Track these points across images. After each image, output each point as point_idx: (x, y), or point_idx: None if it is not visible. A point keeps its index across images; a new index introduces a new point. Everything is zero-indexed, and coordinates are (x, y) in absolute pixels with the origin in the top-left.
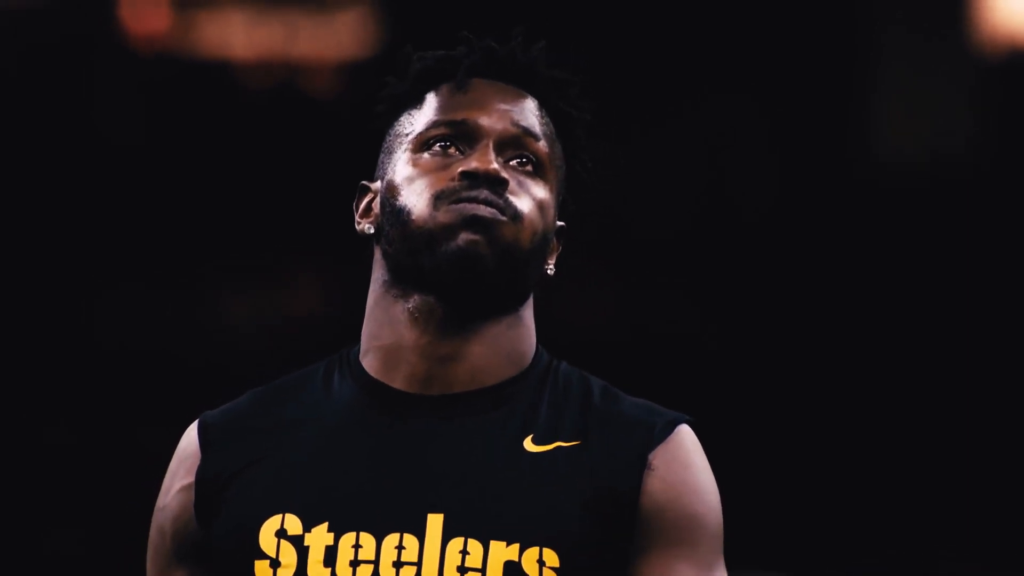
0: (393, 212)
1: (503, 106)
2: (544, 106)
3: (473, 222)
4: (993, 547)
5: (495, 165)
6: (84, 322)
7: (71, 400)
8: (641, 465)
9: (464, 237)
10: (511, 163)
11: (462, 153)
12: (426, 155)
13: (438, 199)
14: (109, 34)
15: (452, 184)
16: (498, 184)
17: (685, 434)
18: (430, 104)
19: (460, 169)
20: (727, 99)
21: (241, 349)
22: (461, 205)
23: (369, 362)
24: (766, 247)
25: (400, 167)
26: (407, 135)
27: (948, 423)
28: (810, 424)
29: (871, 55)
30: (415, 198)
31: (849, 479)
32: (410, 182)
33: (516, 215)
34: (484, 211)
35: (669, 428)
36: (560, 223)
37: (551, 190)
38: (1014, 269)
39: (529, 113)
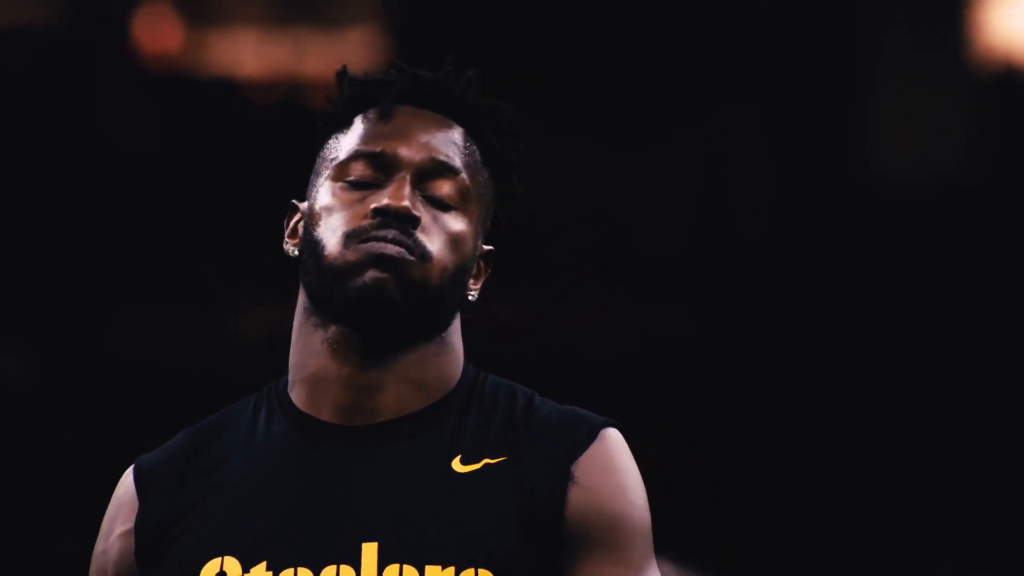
0: (310, 243)
1: (424, 137)
2: (472, 135)
3: (379, 260)
4: (993, 547)
5: (406, 202)
6: (99, 331)
7: (86, 407)
8: (564, 477)
9: (371, 275)
10: (429, 194)
11: (380, 185)
12: (345, 186)
13: (349, 237)
14: (122, 52)
15: (364, 223)
16: (408, 222)
17: (608, 438)
18: (355, 131)
19: (372, 205)
20: (727, 113)
21: (253, 360)
22: (369, 244)
23: (296, 394)
24: (765, 258)
25: (321, 195)
26: (332, 160)
27: (948, 428)
28: (810, 428)
29: (869, 69)
30: (329, 234)
31: (849, 481)
32: (328, 214)
33: (424, 255)
34: (391, 250)
35: (591, 436)
36: (488, 247)
37: (471, 221)
38: (1011, 279)
39: (451, 144)
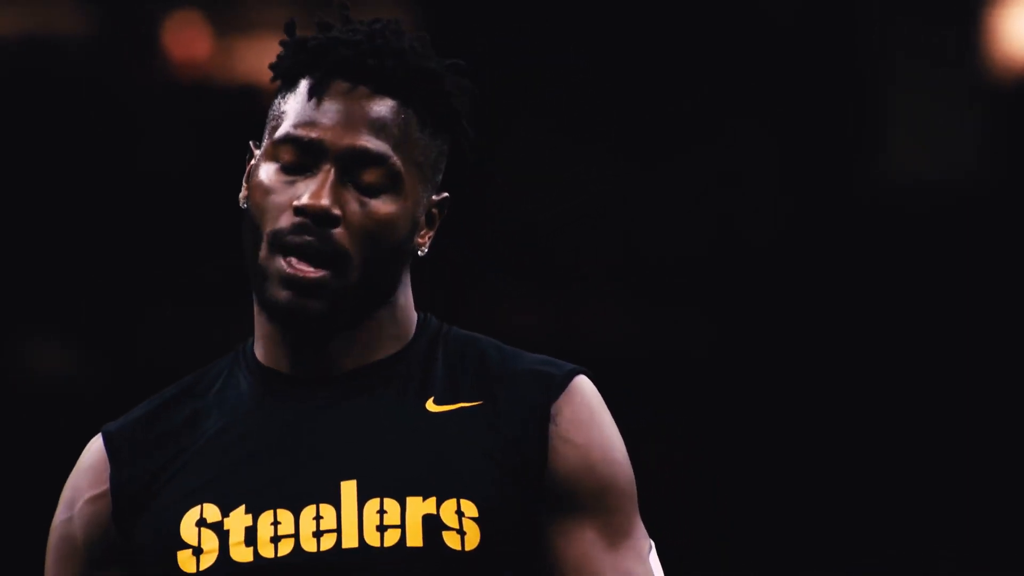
0: (246, 225)
1: (352, 119)
2: (408, 104)
3: (292, 283)
4: (993, 547)
5: (324, 201)
6: (134, 335)
7: (120, 406)
8: (544, 417)
9: (285, 295)
10: (357, 180)
11: (309, 170)
12: (277, 168)
13: (273, 238)
14: (152, 59)
15: (284, 223)
16: (327, 223)
17: (584, 384)
18: (293, 102)
19: (294, 203)
20: (739, 127)
21: None
22: (287, 260)
23: (259, 351)
24: (777, 265)
25: (261, 169)
26: (274, 128)
27: (957, 433)
28: (817, 432)
29: (881, 77)
30: (255, 231)
31: (853, 480)
32: (262, 196)
33: (340, 257)
34: (302, 273)
35: (568, 378)
36: (440, 196)
37: (405, 197)
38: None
39: (381, 124)
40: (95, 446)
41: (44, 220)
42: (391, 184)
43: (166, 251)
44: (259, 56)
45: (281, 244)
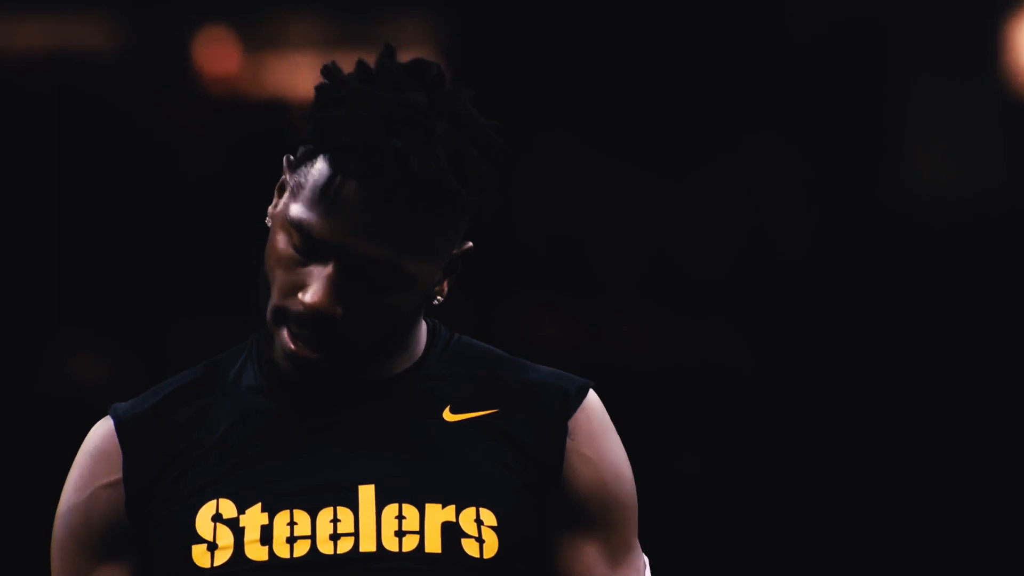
0: (261, 278)
1: (364, 220)
2: (433, 201)
3: (292, 359)
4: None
5: (326, 303)
6: (163, 343)
7: None
8: (562, 431)
9: (286, 364)
10: (366, 277)
11: (319, 259)
12: (289, 243)
13: (276, 316)
14: (183, 74)
15: (290, 306)
16: (328, 321)
17: (596, 399)
18: (312, 177)
19: (300, 296)
20: (765, 139)
21: None
22: (289, 337)
23: (278, 355)
24: (806, 279)
25: (279, 231)
26: (296, 188)
27: (987, 453)
28: (842, 441)
29: (904, 95)
30: (266, 284)
31: (881, 490)
32: (274, 261)
33: (346, 345)
34: (303, 353)
35: (583, 393)
36: (461, 249)
37: (419, 284)
38: None
39: (397, 227)
40: (105, 430)
41: (80, 230)
42: (399, 283)
43: (197, 261)
44: (288, 71)
45: (286, 322)
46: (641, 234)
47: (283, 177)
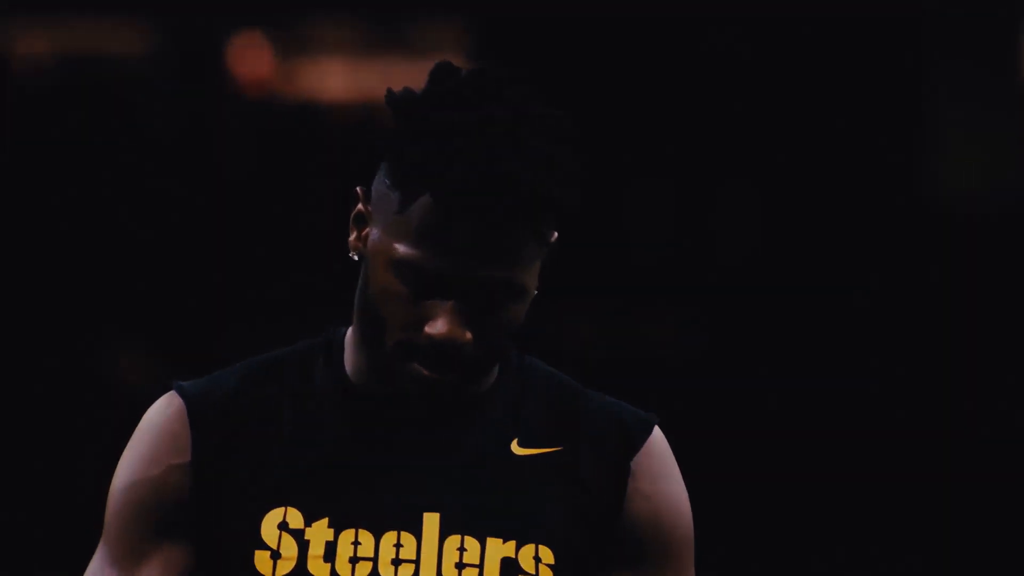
0: (362, 315)
1: (478, 247)
2: (537, 222)
3: (425, 384)
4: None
5: (457, 331)
6: (210, 344)
7: None
8: (624, 471)
9: (416, 391)
10: (486, 297)
11: (434, 293)
12: (401, 283)
13: (400, 351)
14: (217, 78)
15: (415, 339)
16: (459, 348)
17: (660, 436)
18: (418, 221)
19: (425, 330)
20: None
21: None
22: (420, 366)
23: (350, 365)
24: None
25: (381, 272)
26: (390, 225)
27: (1010, 449)
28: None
29: (933, 96)
30: (377, 323)
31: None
32: (383, 301)
33: (474, 366)
34: (437, 378)
35: (647, 431)
36: (549, 244)
37: (531, 289)
38: None
39: (508, 248)
40: (175, 409)
41: (129, 233)
42: (517, 295)
43: (243, 267)
44: (319, 76)
45: (412, 354)
46: (674, 236)
47: (359, 208)
